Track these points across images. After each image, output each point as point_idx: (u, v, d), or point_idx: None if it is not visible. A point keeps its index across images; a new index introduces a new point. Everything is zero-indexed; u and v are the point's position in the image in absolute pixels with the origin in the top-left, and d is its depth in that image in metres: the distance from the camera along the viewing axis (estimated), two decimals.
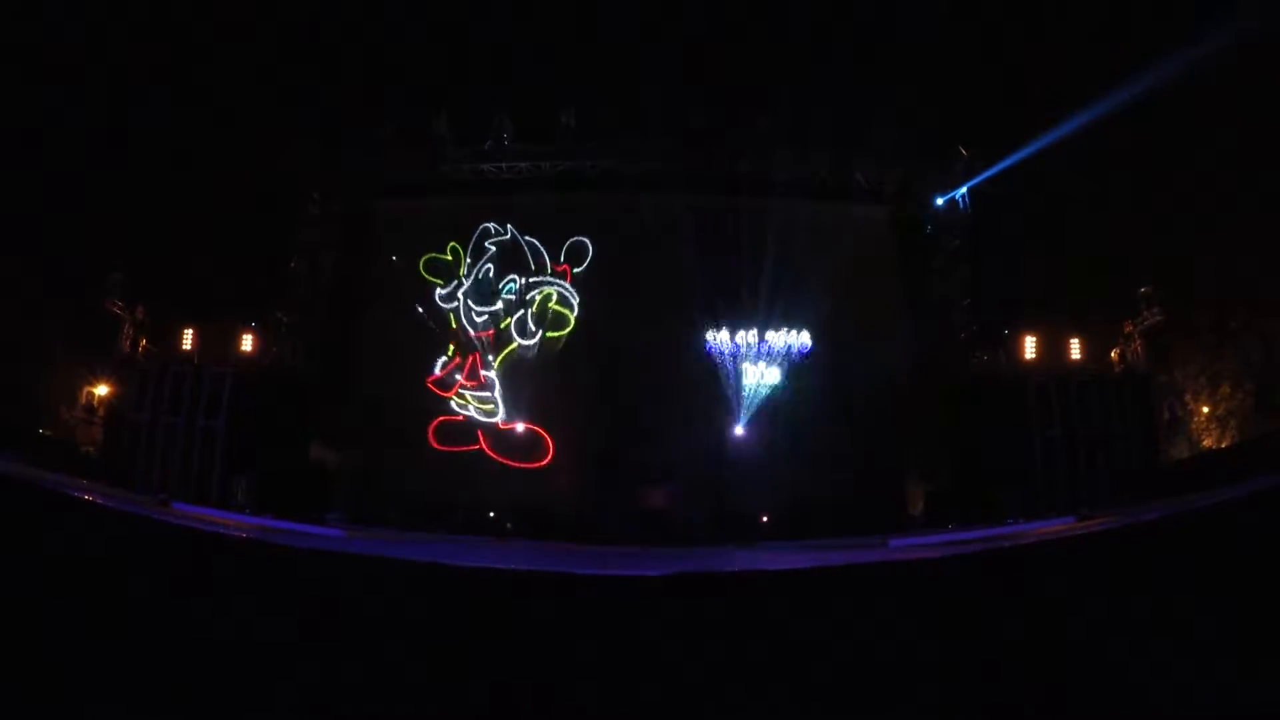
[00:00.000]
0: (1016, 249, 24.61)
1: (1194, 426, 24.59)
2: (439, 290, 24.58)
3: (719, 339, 23.74)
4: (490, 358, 24.25)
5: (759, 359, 23.68)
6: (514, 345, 24.36)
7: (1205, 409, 24.50)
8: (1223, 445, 23.51)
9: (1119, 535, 5.90)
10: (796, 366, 23.63)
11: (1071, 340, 22.29)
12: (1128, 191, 23.96)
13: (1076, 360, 22.25)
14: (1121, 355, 22.13)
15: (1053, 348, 22.28)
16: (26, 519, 4.70)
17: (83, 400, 24.08)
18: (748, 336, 23.67)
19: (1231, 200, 22.83)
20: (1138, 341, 21.74)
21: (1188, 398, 24.72)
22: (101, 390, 23.61)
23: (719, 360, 23.77)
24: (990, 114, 23.02)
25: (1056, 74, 22.68)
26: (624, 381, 23.50)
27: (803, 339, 23.54)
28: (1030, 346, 22.30)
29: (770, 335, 23.60)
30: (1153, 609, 3.92)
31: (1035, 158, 20.95)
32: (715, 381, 23.75)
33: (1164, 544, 4.57)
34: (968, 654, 4.07)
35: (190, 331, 22.68)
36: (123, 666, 3.84)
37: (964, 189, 23.00)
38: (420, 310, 24.22)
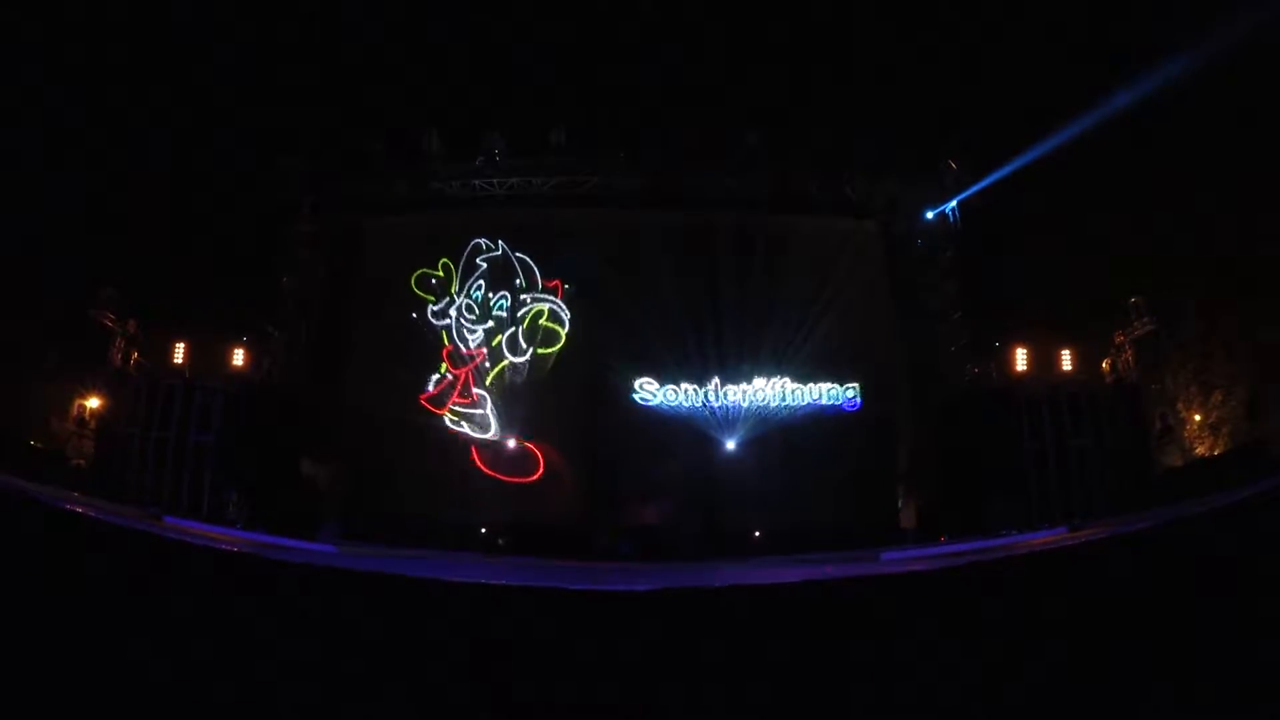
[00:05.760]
0: (1007, 261, 24.71)
1: (1187, 434, 24.61)
2: (431, 307, 24.54)
3: (710, 352, 23.73)
4: (482, 375, 24.20)
5: (750, 373, 23.70)
6: (505, 362, 24.32)
7: (1198, 417, 24.53)
8: (1215, 453, 23.53)
9: (1112, 545, 5.91)
10: (787, 380, 23.66)
11: (1063, 351, 22.39)
12: (1118, 200, 24.06)
13: (1068, 371, 22.36)
14: (1112, 365, 22.22)
15: (1044, 359, 22.38)
16: (17, 532, 4.67)
17: (74, 413, 23.95)
18: (740, 350, 23.69)
19: (1222, 206, 22.95)
20: (1129, 351, 21.83)
21: (1179, 405, 24.74)
22: (93, 403, 23.50)
23: (710, 374, 23.76)
24: (979, 126, 23.13)
25: (1045, 85, 22.80)
26: (616, 397, 23.54)
27: (794, 352, 23.58)
28: (1021, 358, 22.39)
29: (761, 349, 23.62)
30: (1147, 618, 3.93)
31: (1025, 170, 21.05)
32: (707, 396, 23.76)
33: (1156, 553, 4.58)
34: (961, 667, 4.06)
35: (182, 345, 22.71)
36: (114, 681, 3.81)
37: (954, 202, 23.08)
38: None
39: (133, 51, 23.05)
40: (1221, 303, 24.10)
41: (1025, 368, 22.36)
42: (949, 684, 4.00)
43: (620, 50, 24.06)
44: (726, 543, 21.29)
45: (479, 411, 23.98)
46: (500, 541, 21.41)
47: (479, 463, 23.66)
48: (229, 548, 10.01)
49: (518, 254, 24.75)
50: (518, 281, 24.67)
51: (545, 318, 24.49)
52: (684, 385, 23.79)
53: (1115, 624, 4.00)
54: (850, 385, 23.73)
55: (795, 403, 23.71)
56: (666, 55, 24.03)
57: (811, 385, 23.73)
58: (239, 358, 22.75)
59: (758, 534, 22.16)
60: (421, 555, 18.96)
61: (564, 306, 24.49)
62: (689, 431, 23.60)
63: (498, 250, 24.78)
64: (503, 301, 24.55)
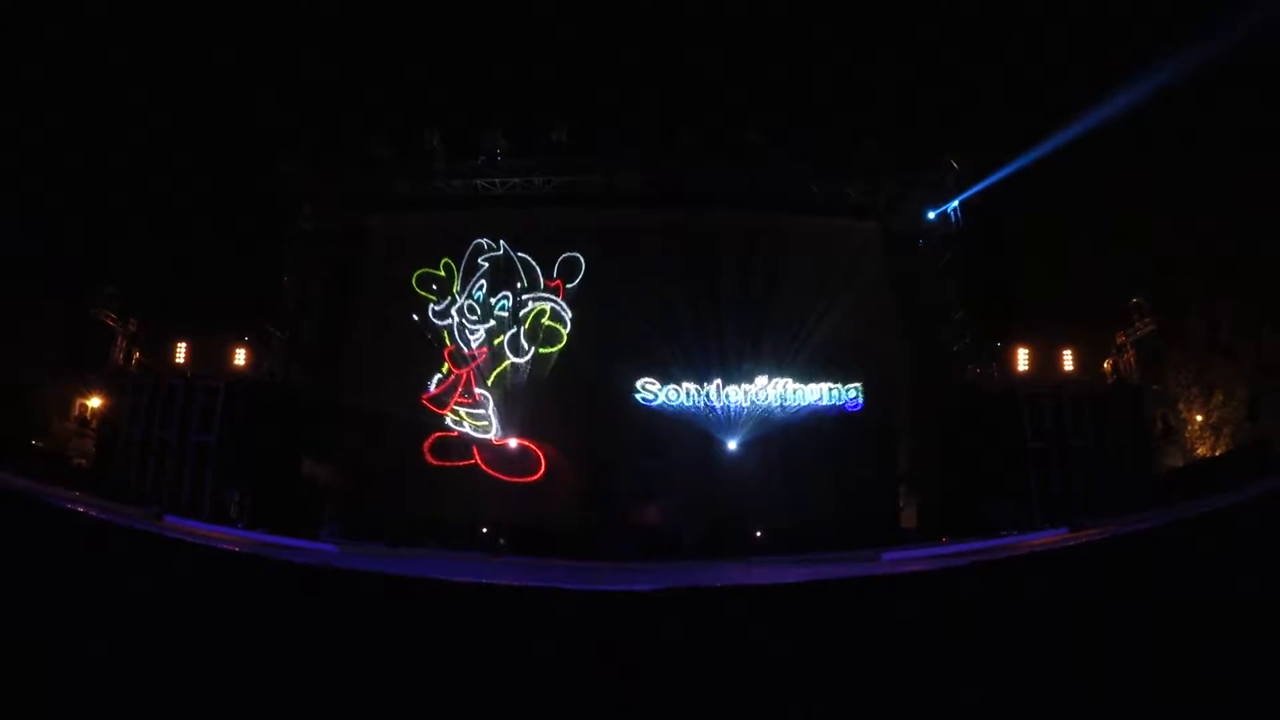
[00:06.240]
0: (1008, 261, 24.71)
1: (1188, 435, 24.61)
2: (432, 306, 24.51)
3: (712, 352, 23.70)
4: (484, 374, 24.17)
5: (751, 373, 23.68)
6: (507, 362, 24.28)
7: (1199, 417, 24.53)
8: (1216, 454, 23.53)
9: (1112, 545, 5.90)
10: (789, 380, 23.63)
11: (1064, 352, 22.36)
12: (1119, 202, 24.08)
13: (1069, 371, 22.33)
14: (1114, 366, 22.19)
15: (1045, 360, 22.35)
16: (18, 531, 4.67)
17: (75, 412, 23.98)
18: (741, 350, 23.65)
19: (1221, 208, 22.98)
20: (1130, 352, 21.80)
21: (1181, 406, 24.74)
22: (94, 403, 23.52)
23: (711, 374, 23.74)
24: (980, 127, 23.14)
25: (1046, 86, 22.83)
26: (617, 396, 23.50)
27: (795, 353, 23.55)
28: (1023, 359, 22.38)
29: (762, 349, 23.59)
30: (1147, 618, 3.92)
31: (1026, 170, 21.02)
32: (708, 396, 23.73)
33: (1157, 553, 4.58)
34: (963, 666, 4.06)
35: (183, 345, 22.71)
36: (115, 680, 3.81)
37: (955, 202, 23.02)
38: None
39: (134, 52, 23.09)
40: (1222, 303, 24.12)
41: (1026, 368, 22.36)
42: (949, 683, 4.00)
43: (621, 51, 24.10)
44: (727, 543, 21.25)
45: (480, 411, 23.95)
46: (501, 541, 21.38)
47: (480, 462, 23.63)
48: (229, 548, 10.02)
49: (519, 253, 24.69)
50: (519, 282, 24.61)
51: (547, 317, 24.42)
52: (685, 385, 23.73)
53: (1115, 624, 3.99)
54: (851, 385, 23.68)
55: (796, 403, 23.67)
56: (667, 55, 24.08)
57: (813, 385, 23.68)
58: (240, 357, 22.76)
59: (759, 534, 22.12)
60: (421, 555, 18.96)
61: (565, 306, 24.43)
62: (690, 431, 23.56)
63: (499, 250, 24.72)
64: (504, 301, 24.50)
